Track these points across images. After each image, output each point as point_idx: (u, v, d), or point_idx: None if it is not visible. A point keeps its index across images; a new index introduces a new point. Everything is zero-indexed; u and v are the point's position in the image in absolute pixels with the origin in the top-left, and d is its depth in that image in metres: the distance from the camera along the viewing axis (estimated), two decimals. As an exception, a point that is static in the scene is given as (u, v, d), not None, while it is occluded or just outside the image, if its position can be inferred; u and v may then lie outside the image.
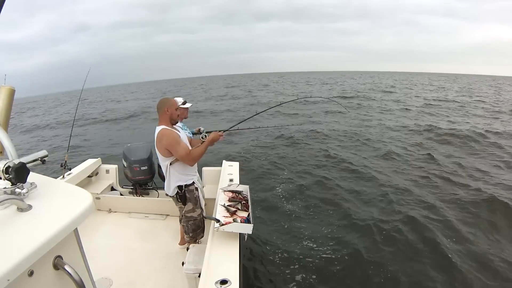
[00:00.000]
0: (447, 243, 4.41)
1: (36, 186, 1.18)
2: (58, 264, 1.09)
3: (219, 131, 3.23)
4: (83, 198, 1.21)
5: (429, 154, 8.72)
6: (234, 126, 3.74)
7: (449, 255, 4.12)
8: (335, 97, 23.77)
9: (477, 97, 26.24)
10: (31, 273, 0.98)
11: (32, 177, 1.19)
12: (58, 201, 1.20)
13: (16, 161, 1.11)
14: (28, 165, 1.15)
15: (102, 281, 3.04)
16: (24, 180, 1.12)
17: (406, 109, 18.71)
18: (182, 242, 3.61)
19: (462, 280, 3.74)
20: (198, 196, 3.20)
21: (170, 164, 2.99)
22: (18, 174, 1.08)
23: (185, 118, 3.76)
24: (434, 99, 24.27)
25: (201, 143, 3.12)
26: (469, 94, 29.83)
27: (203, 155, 3.03)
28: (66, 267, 1.09)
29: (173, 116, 3.02)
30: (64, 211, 1.14)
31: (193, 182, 3.15)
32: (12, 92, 1.36)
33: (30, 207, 1.09)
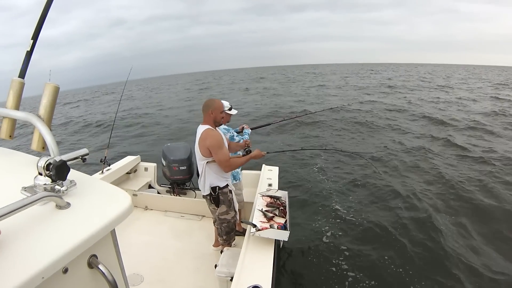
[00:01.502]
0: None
1: (75, 184, 1.17)
2: (92, 263, 1.07)
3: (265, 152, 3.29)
4: (122, 199, 1.19)
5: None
6: (278, 152, 3.77)
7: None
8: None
9: None
10: (65, 271, 0.97)
11: (73, 174, 1.19)
12: (97, 201, 1.19)
13: (57, 159, 1.11)
14: (68, 163, 1.14)
15: (133, 277, 3.09)
16: (64, 178, 1.11)
17: None
18: (216, 244, 3.59)
19: None
20: (232, 199, 3.16)
21: (207, 163, 2.98)
22: (59, 171, 1.07)
23: (228, 122, 3.75)
24: None
25: (243, 155, 3.16)
26: None
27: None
28: (100, 267, 1.07)
29: (217, 119, 3.01)
30: (103, 211, 1.12)
31: (227, 185, 3.11)
32: (56, 90, 1.37)
33: (68, 205, 1.08)
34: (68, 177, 1.14)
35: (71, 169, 1.16)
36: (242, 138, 3.68)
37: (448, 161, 8.27)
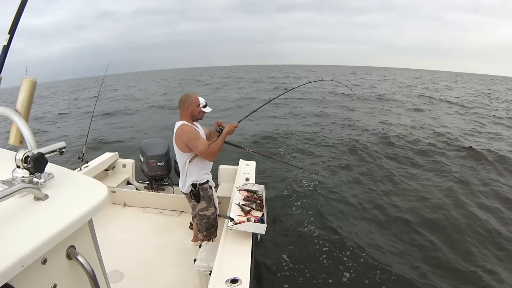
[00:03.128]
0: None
1: (53, 177, 1.19)
2: (71, 254, 1.10)
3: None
4: (99, 190, 1.22)
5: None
6: (247, 115, 3.75)
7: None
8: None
9: None
10: (44, 261, 0.99)
11: (50, 167, 1.21)
12: (74, 192, 1.21)
13: (35, 151, 1.13)
14: (46, 156, 1.16)
15: (113, 273, 3.08)
16: (42, 170, 1.13)
17: None
18: (195, 239, 3.61)
19: None
20: (212, 195, 3.19)
21: (190, 161, 2.99)
22: (36, 164, 1.09)
23: (200, 119, 3.75)
24: None
25: (218, 137, 3.10)
26: None
27: (221, 150, 3.01)
28: (79, 257, 1.10)
29: (194, 113, 3.02)
30: (80, 202, 1.15)
31: (207, 180, 3.14)
32: (33, 84, 1.37)
33: (46, 196, 1.10)
34: (46, 170, 1.16)
35: (49, 163, 1.18)
36: None
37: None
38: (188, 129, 2.91)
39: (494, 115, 16.15)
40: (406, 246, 4.50)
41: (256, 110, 3.90)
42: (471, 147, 9.27)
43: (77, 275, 1.13)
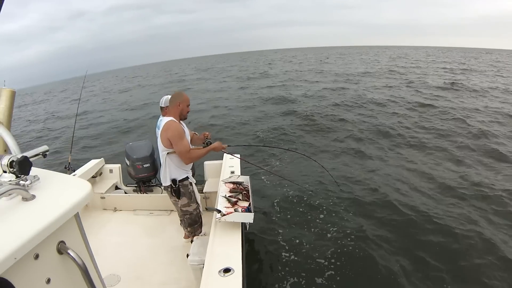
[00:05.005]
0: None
1: (39, 179, 1.26)
2: (61, 248, 1.17)
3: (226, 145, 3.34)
4: (82, 186, 1.30)
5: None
6: (238, 145, 3.79)
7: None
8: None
9: None
10: (36, 256, 1.07)
11: (36, 171, 1.27)
12: (59, 191, 1.28)
13: (19, 156, 1.19)
14: (30, 159, 1.22)
15: (110, 277, 3.12)
16: (27, 173, 1.20)
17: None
18: (186, 236, 3.68)
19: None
20: (193, 191, 3.27)
21: (168, 154, 3.06)
22: (21, 167, 1.16)
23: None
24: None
25: (203, 147, 3.20)
26: None
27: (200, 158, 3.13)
28: (70, 252, 1.17)
29: (183, 111, 3.10)
30: (64, 198, 1.22)
31: (187, 177, 3.21)
32: (13, 94, 1.43)
33: (33, 196, 1.17)
34: (32, 174, 1.22)
35: (34, 167, 1.24)
36: None
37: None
38: (175, 126, 2.98)
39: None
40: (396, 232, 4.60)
41: (247, 145, 3.96)
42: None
43: (69, 269, 1.21)
